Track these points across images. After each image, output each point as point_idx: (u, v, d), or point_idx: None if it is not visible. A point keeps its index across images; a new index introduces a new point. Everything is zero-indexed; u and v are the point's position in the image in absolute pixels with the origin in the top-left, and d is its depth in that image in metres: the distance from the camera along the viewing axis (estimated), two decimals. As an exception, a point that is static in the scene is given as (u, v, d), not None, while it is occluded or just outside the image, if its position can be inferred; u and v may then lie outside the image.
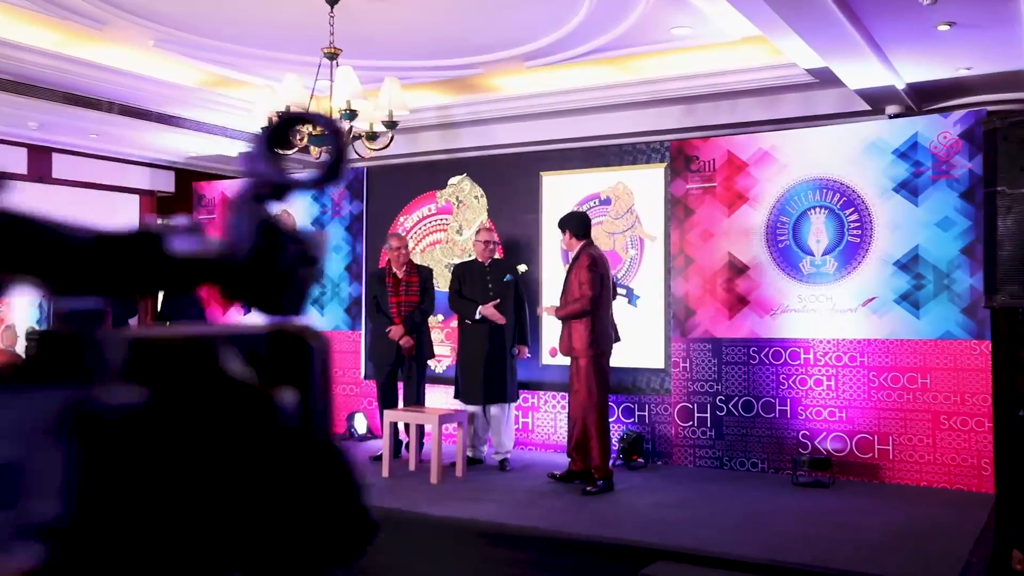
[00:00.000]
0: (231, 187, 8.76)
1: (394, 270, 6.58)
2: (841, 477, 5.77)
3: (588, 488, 5.54)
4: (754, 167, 6.29)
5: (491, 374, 6.28)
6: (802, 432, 6.04)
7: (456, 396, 6.50)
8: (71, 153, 8.23)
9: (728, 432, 6.28)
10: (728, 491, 5.62)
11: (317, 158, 5.59)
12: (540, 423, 7.05)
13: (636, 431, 6.52)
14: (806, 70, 5.99)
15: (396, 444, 6.56)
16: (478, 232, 6.69)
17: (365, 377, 7.70)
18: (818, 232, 6.06)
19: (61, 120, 7.10)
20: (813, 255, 6.07)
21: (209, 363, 0.68)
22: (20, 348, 6.49)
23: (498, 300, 6.30)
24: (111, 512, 0.60)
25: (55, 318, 0.68)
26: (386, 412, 6.18)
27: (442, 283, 7.24)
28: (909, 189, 5.79)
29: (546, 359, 6.91)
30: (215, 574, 0.65)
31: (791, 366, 6.09)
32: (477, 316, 6.27)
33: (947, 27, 5.01)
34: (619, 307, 6.70)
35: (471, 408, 6.36)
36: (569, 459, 5.87)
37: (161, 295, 8.49)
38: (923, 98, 6.44)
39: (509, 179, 7.29)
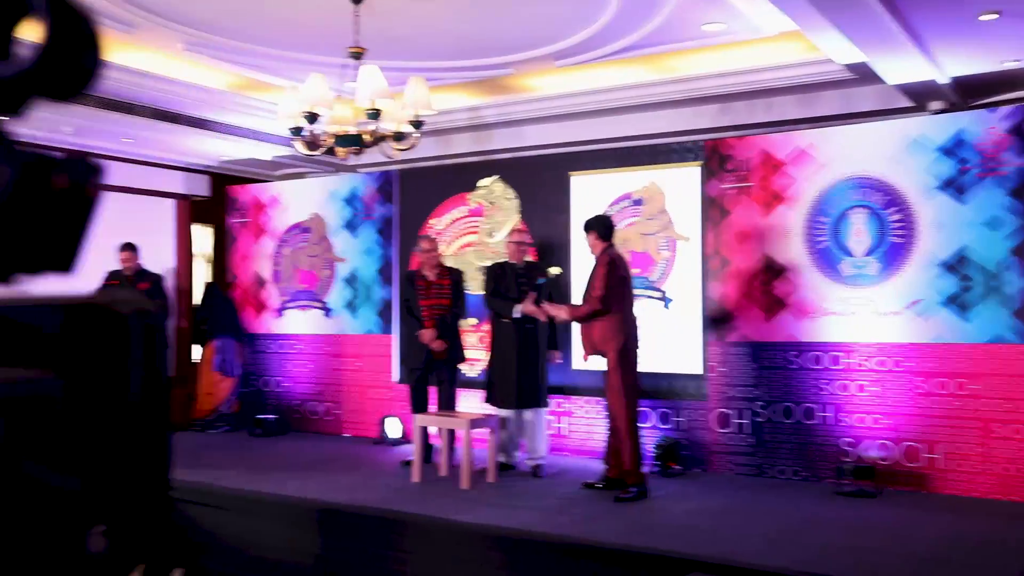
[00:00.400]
0: (264, 191, 8.77)
1: (425, 273, 6.50)
2: (886, 487, 5.57)
3: (620, 495, 5.42)
4: (791, 166, 6.12)
5: (525, 378, 6.18)
6: (845, 439, 5.85)
7: (487, 400, 6.41)
8: (107, 158, 8.27)
9: (767, 439, 6.11)
10: (767, 500, 5.45)
11: (343, 158, 5.54)
12: (575, 429, 6.93)
13: (672, 437, 6.38)
14: (844, 66, 5.82)
15: (428, 449, 6.49)
16: (511, 233, 6.60)
17: (398, 381, 7.64)
18: (859, 232, 5.87)
19: (96, 125, 7.14)
20: (854, 256, 5.88)
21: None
22: None
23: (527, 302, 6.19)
24: None
25: None
26: (416, 416, 6.11)
27: (474, 286, 7.15)
28: (955, 187, 5.58)
29: (578, 363, 6.79)
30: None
31: (832, 371, 5.91)
32: (516, 314, 6.17)
33: (992, 16, 4.81)
34: (652, 310, 6.58)
35: (503, 412, 6.26)
36: (605, 466, 5.75)
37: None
38: (968, 93, 6.23)
39: (541, 180, 7.19)
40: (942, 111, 6.12)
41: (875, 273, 5.80)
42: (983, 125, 5.53)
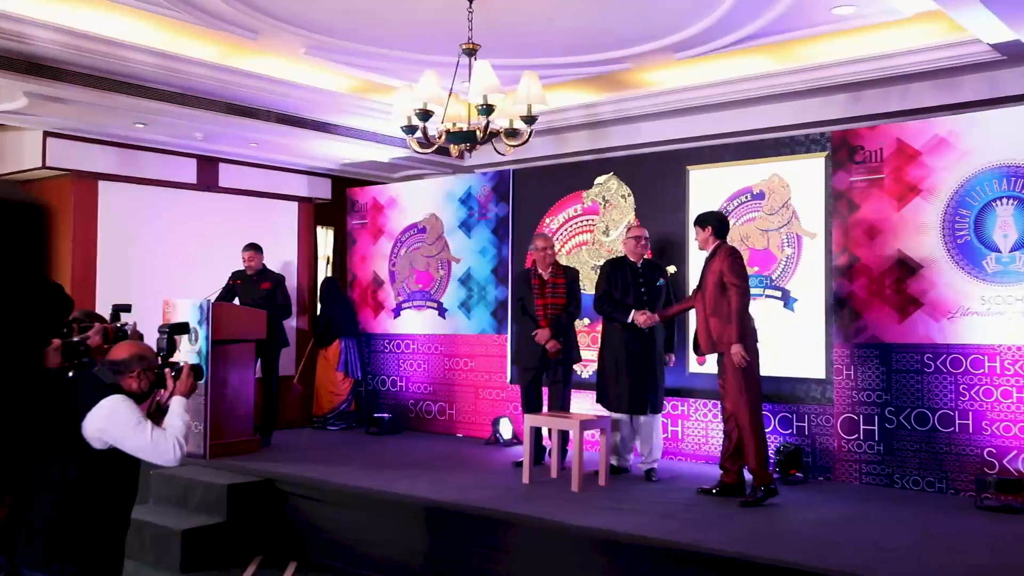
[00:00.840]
0: (382, 192, 8.91)
1: (539, 271, 6.42)
2: (1035, 502, 5.09)
3: (747, 499, 5.20)
4: (928, 155, 5.70)
5: (638, 382, 6.00)
6: (987, 449, 5.39)
7: (598, 400, 6.25)
8: (235, 163, 8.61)
9: (899, 447, 5.70)
10: (900, 512, 5.08)
11: (455, 156, 5.51)
12: (690, 432, 6.69)
13: (794, 443, 6.05)
14: (991, 46, 5.38)
15: (540, 450, 6.40)
16: (629, 228, 6.42)
17: (511, 382, 7.58)
18: (1005, 226, 5.40)
19: (224, 130, 7.42)
20: (1000, 251, 5.42)
21: None
22: None
23: (645, 312, 6.00)
24: None
25: None
26: (527, 416, 6.02)
27: (588, 285, 7.02)
28: (1117, 175, 5.06)
29: (694, 367, 6.55)
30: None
31: (973, 375, 5.46)
32: (629, 320, 6.01)
33: None
34: (772, 311, 6.27)
35: (616, 415, 6.10)
36: (722, 471, 5.50)
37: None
38: None
39: (657, 177, 6.99)
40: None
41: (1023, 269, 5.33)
42: None
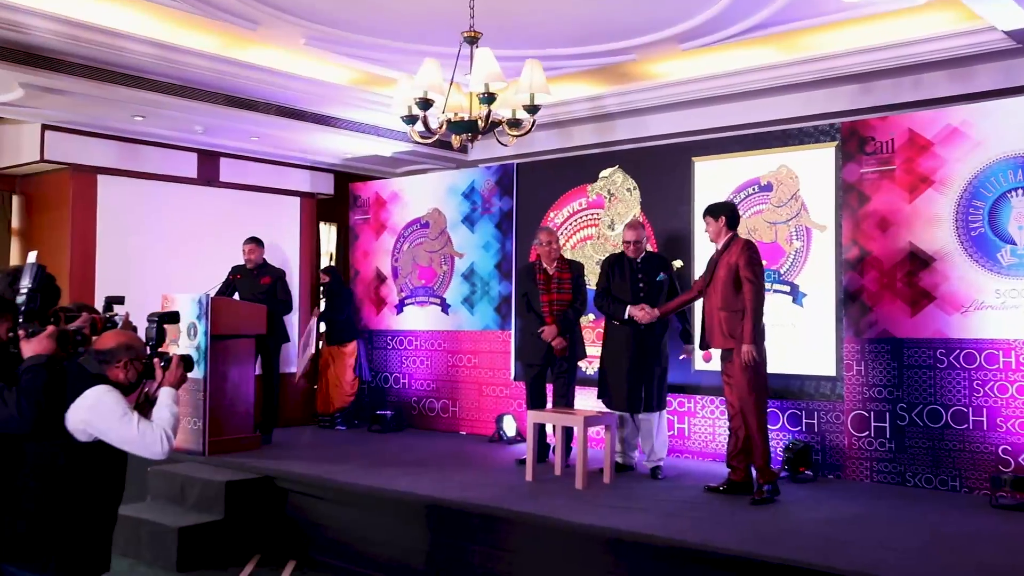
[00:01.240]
0: (385, 187, 8.81)
1: (544, 266, 6.30)
2: (1051, 500, 4.96)
3: (756, 497, 5.10)
4: (940, 146, 5.57)
5: (638, 381, 5.88)
6: (1002, 447, 5.26)
7: (599, 396, 6.14)
8: (236, 157, 8.52)
9: (911, 444, 5.57)
10: (911, 510, 4.95)
11: (457, 147, 5.41)
12: (697, 430, 6.56)
13: (803, 440, 5.93)
14: (1006, 33, 5.25)
15: (544, 448, 6.29)
16: (624, 229, 6.26)
17: (515, 378, 7.47)
18: (1020, 217, 5.27)
19: (223, 123, 7.32)
20: (1015, 243, 5.28)
21: None
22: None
23: (643, 307, 5.87)
24: None
25: None
26: (530, 413, 5.91)
27: (593, 280, 6.90)
28: None
29: (700, 364, 6.42)
30: None
31: (987, 371, 5.33)
32: (625, 316, 5.90)
33: None
34: (780, 305, 6.15)
35: (619, 412, 5.98)
36: (729, 469, 5.38)
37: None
38: None
39: (663, 170, 6.87)
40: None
41: (1039, 263, 5.21)
42: None
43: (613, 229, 7.11)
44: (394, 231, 8.61)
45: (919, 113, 5.81)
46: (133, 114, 6.97)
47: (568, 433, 5.99)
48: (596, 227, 7.25)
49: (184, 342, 6.58)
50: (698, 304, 5.96)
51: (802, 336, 6.06)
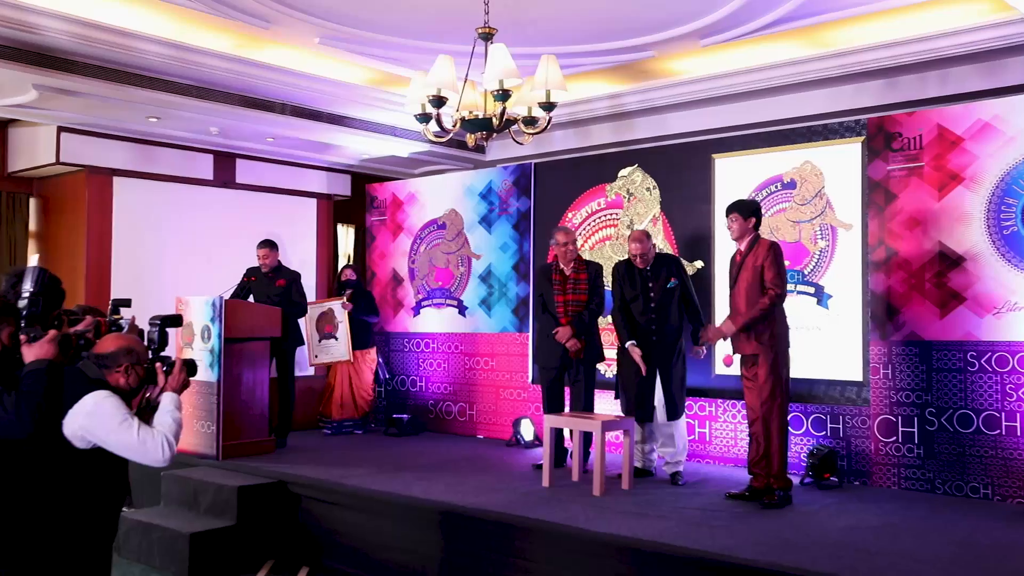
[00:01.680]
0: (402, 188, 8.73)
1: (561, 266, 6.18)
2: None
3: (767, 500, 5.00)
4: (971, 142, 5.40)
5: (652, 388, 5.74)
6: (1036, 453, 5.08)
7: (616, 399, 6.02)
8: (252, 158, 8.47)
9: (940, 450, 5.40)
10: (941, 518, 4.79)
11: (472, 145, 5.30)
12: (718, 434, 6.42)
13: (828, 446, 5.76)
14: (1038, 24, 5.08)
15: (561, 452, 6.17)
16: (629, 242, 6.07)
17: (532, 381, 7.35)
18: (1055, 215, 5.10)
19: (239, 124, 7.27)
20: (1050, 242, 5.11)
21: None
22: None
23: (634, 344, 5.78)
24: None
25: None
26: (547, 417, 5.78)
27: (611, 281, 6.78)
28: None
29: (720, 368, 6.28)
30: None
31: (1020, 374, 5.14)
32: (625, 346, 5.82)
33: None
34: (804, 307, 5.99)
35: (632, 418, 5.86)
36: (751, 476, 5.24)
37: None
38: None
39: (683, 168, 6.73)
40: None
41: (1075, 262, 5.03)
42: None
43: (631, 229, 6.97)
44: (411, 232, 8.52)
45: (948, 108, 5.63)
46: (148, 115, 6.94)
47: (586, 438, 5.86)
48: (615, 227, 7.11)
49: (198, 345, 6.52)
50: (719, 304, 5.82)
51: (827, 339, 5.90)
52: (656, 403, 5.77)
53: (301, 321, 7.40)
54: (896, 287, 5.63)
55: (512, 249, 7.75)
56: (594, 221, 7.26)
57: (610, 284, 6.19)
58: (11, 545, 2.70)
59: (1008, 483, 5.15)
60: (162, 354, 3.04)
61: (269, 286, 7.10)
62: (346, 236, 9.68)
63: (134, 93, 6.29)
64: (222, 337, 6.39)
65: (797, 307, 5.95)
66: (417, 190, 8.57)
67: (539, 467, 5.88)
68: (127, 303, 3.77)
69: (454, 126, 5.10)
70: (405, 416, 7.98)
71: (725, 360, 6.12)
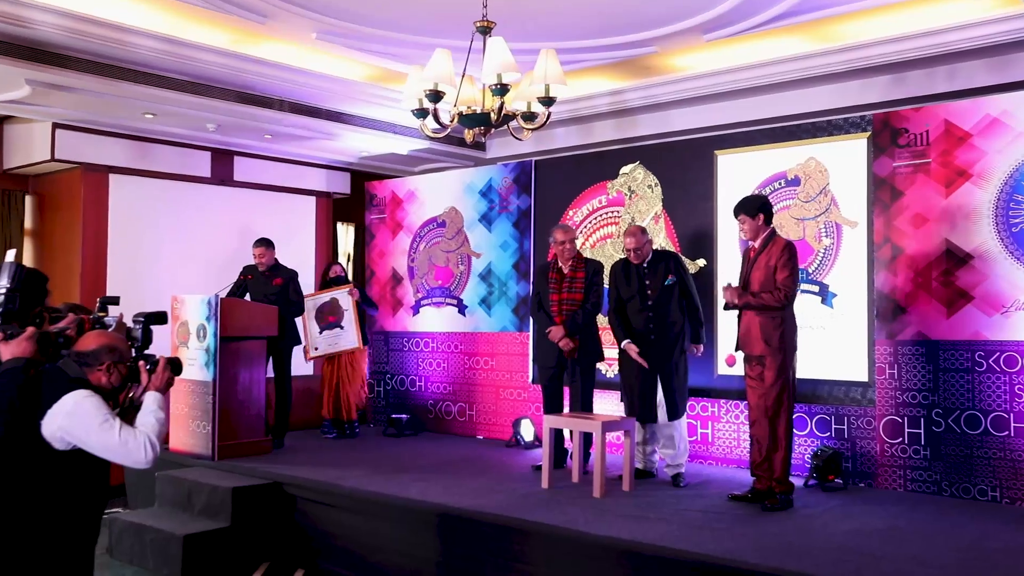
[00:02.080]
0: (401, 186, 8.64)
1: (559, 265, 6.09)
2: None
3: (769, 504, 4.91)
4: (979, 137, 5.29)
5: (652, 389, 5.65)
6: (1045, 455, 4.98)
7: (622, 399, 5.93)
8: (250, 156, 8.39)
9: (947, 452, 5.29)
10: (948, 521, 4.69)
11: (470, 141, 5.21)
12: (721, 435, 6.32)
13: (833, 447, 5.66)
14: (1049, 17, 4.97)
15: (561, 453, 6.08)
16: (624, 237, 5.99)
17: (532, 381, 7.26)
18: (1064, 212, 4.99)
19: (236, 121, 7.18)
20: (1060, 240, 5.00)
21: None
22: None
23: (629, 342, 5.74)
24: None
25: None
26: (546, 418, 5.69)
27: (612, 280, 6.70)
28: None
29: (723, 368, 6.18)
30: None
31: (1030, 374, 5.04)
32: (622, 346, 5.74)
33: None
34: (809, 307, 5.89)
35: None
36: (754, 478, 5.15)
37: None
38: None
39: (685, 165, 6.63)
40: None
41: (1085, 261, 4.92)
42: None
43: (624, 243, 6.86)
44: (410, 230, 8.43)
45: (956, 103, 5.53)
46: (143, 111, 6.85)
47: (587, 438, 5.77)
48: (616, 225, 7.02)
49: (194, 344, 6.44)
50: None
51: (832, 338, 5.80)
52: (657, 404, 5.68)
53: (308, 310, 7.29)
54: (902, 286, 5.53)
55: (512, 247, 7.66)
56: (595, 219, 7.16)
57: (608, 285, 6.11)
58: (-12, 550, 2.61)
59: (1017, 485, 5.04)
60: (146, 352, 2.95)
61: (266, 285, 7.02)
62: (346, 235, 9.60)
63: (128, 89, 6.20)
64: (218, 336, 6.31)
65: (801, 306, 5.83)
66: (417, 188, 8.48)
67: (539, 468, 5.79)
68: (115, 301, 3.69)
69: (451, 121, 5.01)
70: (404, 416, 7.90)
71: (728, 360, 6.03)
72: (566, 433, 6.07)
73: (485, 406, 7.71)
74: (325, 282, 7.80)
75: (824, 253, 5.90)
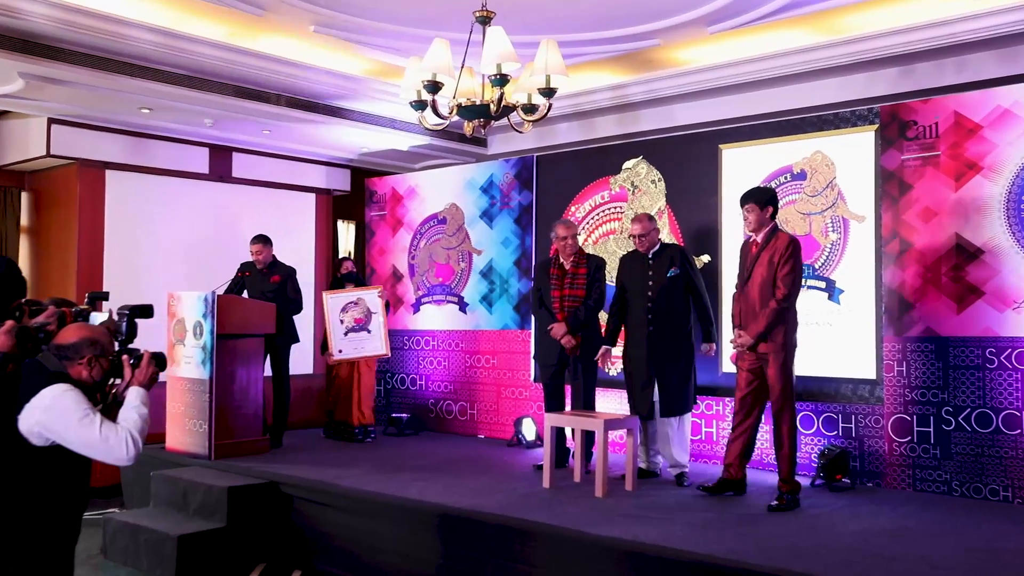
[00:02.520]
0: (401, 182, 8.54)
1: (561, 261, 5.99)
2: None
3: (775, 504, 4.80)
4: (990, 129, 5.17)
5: (652, 384, 5.55)
6: (1059, 454, 4.86)
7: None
8: (249, 152, 8.30)
9: (958, 451, 5.18)
10: (959, 522, 4.57)
11: (469, 134, 5.11)
12: (726, 434, 6.17)
13: (840, 446, 5.55)
14: (1059, 7, 4.86)
15: (563, 452, 5.98)
16: (631, 223, 5.92)
17: (534, 380, 7.16)
18: (1077, 205, 4.87)
19: (234, 115, 7.08)
20: (1072, 234, 4.89)
21: None
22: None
23: (608, 350, 5.79)
24: None
25: None
26: (547, 416, 5.59)
27: (615, 276, 6.59)
28: None
29: (728, 366, 6.06)
30: None
31: (1042, 371, 4.93)
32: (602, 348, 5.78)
33: None
34: (815, 303, 5.78)
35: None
36: (727, 467, 5.15)
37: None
38: None
39: (689, 159, 6.52)
40: None
41: (1099, 255, 4.80)
42: None
43: (630, 230, 6.77)
44: (411, 227, 8.33)
45: (966, 94, 5.41)
46: (139, 106, 6.76)
47: (589, 437, 5.66)
48: (619, 221, 6.91)
49: (190, 341, 6.35)
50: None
51: (839, 335, 5.69)
52: (655, 400, 5.58)
53: (330, 307, 7.04)
54: (911, 281, 5.42)
55: (514, 244, 7.56)
56: (598, 215, 7.05)
57: (615, 279, 6.02)
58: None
59: (1029, 485, 4.93)
60: (130, 347, 2.85)
61: (263, 282, 6.92)
62: (346, 232, 9.51)
63: (124, 82, 6.11)
64: (214, 333, 6.21)
65: (808, 302, 5.75)
66: (417, 184, 8.38)
67: (540, 467, 5.69)
68: (104, 296, 3.60)
69: (450, 113, 4.90)
70: (404, 415, 7.80)
71: (732, 358, 5.91)
72: (568, 432, 5.96)
73: (486, 405, 7.60)
74: (336, 279, 7.57)
75: (831, 248, 5.78)
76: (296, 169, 8.69)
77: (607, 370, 5.83)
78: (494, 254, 7.67)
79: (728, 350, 6.06)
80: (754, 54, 6.21)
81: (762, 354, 4.93)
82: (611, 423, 5.26)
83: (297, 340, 7.13)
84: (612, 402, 6.60)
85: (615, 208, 6.94)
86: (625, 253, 5.97)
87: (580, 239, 6.61)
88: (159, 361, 2.84)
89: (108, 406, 2.78)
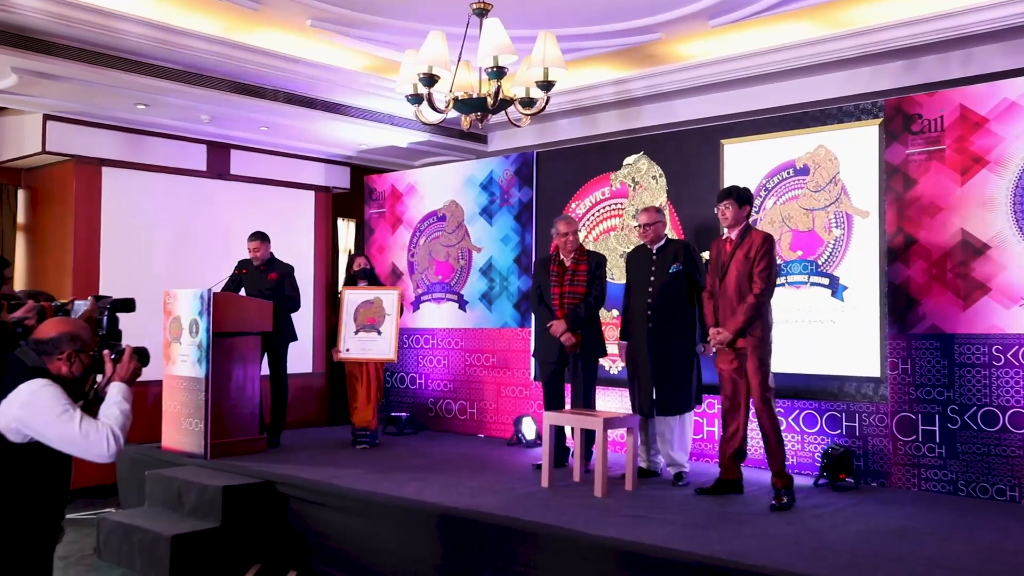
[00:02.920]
0: (400, 179, 8.47)
1: (561, 257, 5.91)
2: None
3: (775, 503, 4.75)
4: (996, 123, 5.08)
5: (651, 382, 5.47)
6: (1066, 453, 4.76)
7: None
8: (247, 149, 8.24)
9: (964, 450, 5.09)
10: (965, 522, 4.49)
11: (467, 128, 5.03)
12: (728, 433, 6.11)
13: (844, 445, 5.46)
14: (1068, -3, 4.77)
15: (562, 452, 5.90)
16: (639, 213, 5.87)
17: (534, 378, 7.08)
18: (1086, 200, 4.78)
19: (230, 112, 7.02)
20: (1080, 229, 4.79)
21: None
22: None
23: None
24: None
25: None
26: (546, 415, 5.51)
27: (617, 274, 6.52)
28: None
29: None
30: None
31: (1050, 369, 4.83)
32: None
33: None
34: (818, 300, 5.70)
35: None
36: (722, 468, 5.10)
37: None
38: None
39: (690, 155, 6.44)
40: None
41: (1108, 250, 4.71)
42: None
43: (637, 219, 6.69)
44: (410, 225, 8.26)
45: (972, 87, 5.32)
46: (135, 102, 6.70)
47: (588, 436, 5.58)
48: (620, 217, 6.83)
49: (186, 339, 6.28)
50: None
51: (842, 332, 5.60)
52: (655, 398, 5.50)
53: (348, 303, 6.87)
54: (916, 277, 5.33)
55: (514, 241, 7.48)
56: (598, 211, 6.97)
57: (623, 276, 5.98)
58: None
59: (1036, 485, 4.84)
60: (112, 341, 2.78)
61: (261, 279, 6.85)
62: (346, 230, 9.44)
63: (118, 78, 6.05)
64: (210, 331, 6.15)
65: (810, 299, 5.67)
66: (416, 181, 8.31)
67: (539, 467, 5.61)
68: (128, 305, 3.52)
69: (447, 107, 4.83)
70: (404, 414, 7.72)
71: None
72: (567, 431, 5.88)
73: (486, 404, 7.53)
74: (349, 276, 7.31)
75: (834, 244, 5.69)
76: (295, 166, 8.62)
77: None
78: (494, 251, 7.60)
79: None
80: (756, 48, 6.12)
81: (740, 349, 4.93)
82: (611, 422, 5.18)
83: (295, 338, 7.06)
84: (612, 401, 6.52)
85: (616, 204, 6.86)
86: (630, 249, 5.90)
87: (581, 235, 6.54)
88: (141, 356, 2.77)
89: (89, 402, 2.71)
